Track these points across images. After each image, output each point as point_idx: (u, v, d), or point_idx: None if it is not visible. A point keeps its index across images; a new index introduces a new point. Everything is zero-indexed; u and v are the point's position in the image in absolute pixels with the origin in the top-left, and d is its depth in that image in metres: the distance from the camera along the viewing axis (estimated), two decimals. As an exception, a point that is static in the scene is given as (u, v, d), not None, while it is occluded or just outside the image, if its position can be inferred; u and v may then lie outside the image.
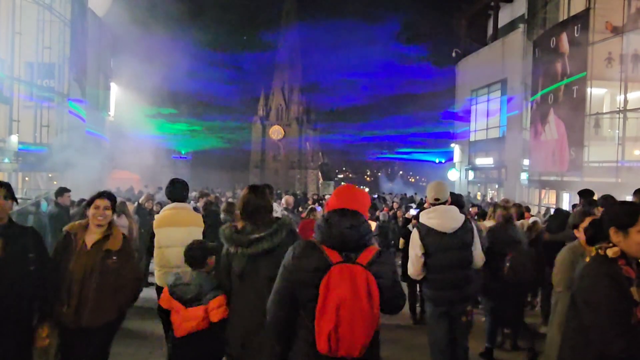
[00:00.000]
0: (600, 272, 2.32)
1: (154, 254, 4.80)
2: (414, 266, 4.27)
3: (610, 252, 2.34)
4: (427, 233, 4.21)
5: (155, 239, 4.74)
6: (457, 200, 4.82)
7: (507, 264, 5.44)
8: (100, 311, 3.48)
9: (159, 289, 4.63)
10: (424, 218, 4.31)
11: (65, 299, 3.44)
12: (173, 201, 4.92)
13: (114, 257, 3.55)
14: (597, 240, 2.48)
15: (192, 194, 17.67)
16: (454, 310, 4.22)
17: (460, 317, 4.24)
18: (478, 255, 4.34)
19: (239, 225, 3.23)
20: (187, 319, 3.45)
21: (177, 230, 4.67)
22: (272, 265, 2.77)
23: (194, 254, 3.68)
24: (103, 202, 3.64)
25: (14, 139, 15.52)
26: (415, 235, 4.27)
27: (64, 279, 3.46)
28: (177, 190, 4.92)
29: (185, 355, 3.50)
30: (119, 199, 6.09)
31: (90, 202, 3.68)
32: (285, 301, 2.43)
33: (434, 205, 4.32)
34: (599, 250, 2.40)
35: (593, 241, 2.54)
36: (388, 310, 2.50)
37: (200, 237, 4.76)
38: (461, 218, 4.28)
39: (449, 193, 4.39)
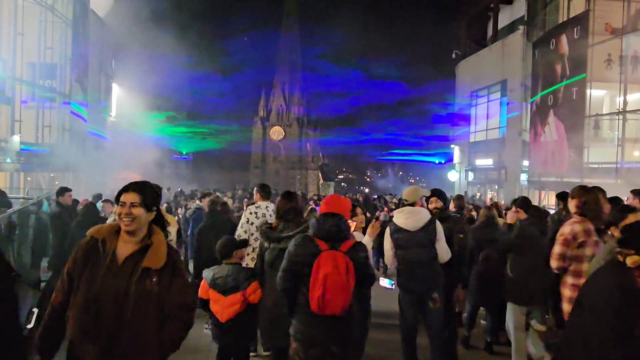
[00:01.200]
0: (613, 281, 2.26)
1: None
2: (387, 258, 4.85)
3: (629, 261, 2.24)
4: (395, 230, 4.74)
5: None
6: (452, 201, 5.12)
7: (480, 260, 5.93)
8: (138, 353, 2.52)
9: None
10: (395, 217, 4.83)
11: (91, 334, 2.47)
12: None
13: (154, 278, 2.54)
14: (629, 245, 2.34)
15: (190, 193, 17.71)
16: (423, 298, 4.67)
17: (427, 304, 4.65)
18: (442, 251, 4.69)
19: (274, 224, 4.18)
20: (229, 305, 4.06)
21: None
22: None
23: (222, 248, 4.31)
24: (129, 197, 2.59)
25: (16, 139, 15.58)
26: (387, 232, 4.80)
27: (87, 307, 2.48)
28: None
29: (231, 335, 4.12)
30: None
31: (117, 199, 2.70)
32: (289, 276, 3.35)
33: (403, 206, 4.86)
34: (619, 256, 2.31)
35: (625, 244, 2.39)
36: (362, 284, 3.39)
37: (173, 236, 5.37)
38: (425, 218, 4.68)
39: (418, 197, 4.86)
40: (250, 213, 5.65)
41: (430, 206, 5.31)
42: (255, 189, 6.11)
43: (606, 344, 2.18)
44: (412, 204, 4.80)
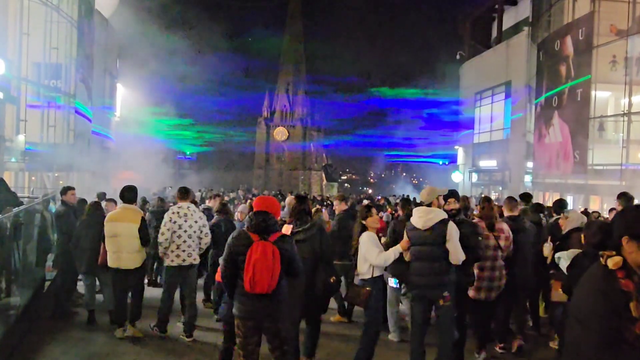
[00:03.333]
0: (595, 287, 2.16)
1: (106, 242, 6.24)
2: (395, 250, 5.11)
3: (610, 263, 2.13)
4: (410, 228, 5.04)
5: (106, 230, 6.23)
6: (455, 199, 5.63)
7: None
8: None
9: (115, 270, 6.21)
10: (412, 215, 5.14)
11: None
12: (124, 202, 6.35)
13: None
14: (605, 247, 2.26)
15: (197, 193, 17.74)
16: (430, 295, 4.87)
17: (437, 301, 4.83)
18: (453, 252, 4.82)
19: (288, 221, 5.11)
20: None
21: (120, 225, 6.16)
22: (306, 249, 4.81)
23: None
24: None
25: (21, 138, 15.63)
26: (405, 229, 5.17)
27: None
28: (127, 195, 6.36)
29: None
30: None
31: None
32: (229, 263, 4.04)
33: (419, 205, 5.24)
34: (601, 259, 2.20)
35: (601, 247, 2.35)
36: (289, 270, 4.06)
37: (135, 231, 6.16)
38: (436, 218, 4.87)
39: (434, 197, 5.10)
40: (173, 213, 6.27)
41: (447, 207, 5.45)
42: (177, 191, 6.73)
43: (597, 351, 2.09)
44: (429, 204, 5.05)
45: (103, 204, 8.87)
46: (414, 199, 23.18)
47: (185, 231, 6.18)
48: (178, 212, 6.24)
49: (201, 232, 6.32)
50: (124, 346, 6.04)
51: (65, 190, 7.90)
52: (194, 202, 7.85)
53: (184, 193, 6.51)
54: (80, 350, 5.85)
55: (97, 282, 7.15)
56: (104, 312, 6.85)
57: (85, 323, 6.75)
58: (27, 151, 16.02)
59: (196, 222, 6.29)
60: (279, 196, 21.58)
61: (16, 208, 6.78)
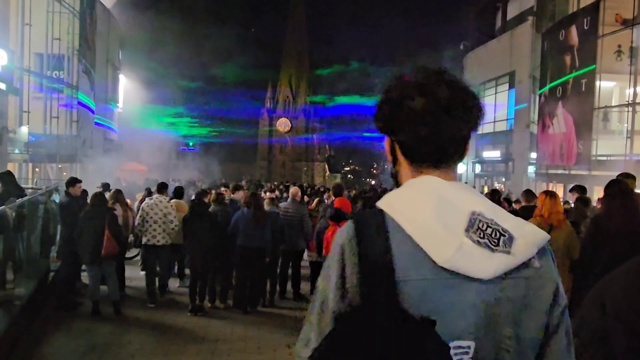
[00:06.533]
0: (638, 285, 1.98)
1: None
2: None
3: None
4: None
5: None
6: None
7: None
8: None
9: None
10: None
11: None
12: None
13: None
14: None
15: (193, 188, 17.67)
16: None
17: None
18: None
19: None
20: None
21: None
22: None
23: None
24: None
25: (24, 129, 15.64)
26: None
27: None
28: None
29: None
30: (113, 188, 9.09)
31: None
32: (317, 238, 7.32)
33: None
34: None
35: None
36: None
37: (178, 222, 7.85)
38: None
39: None
40: (144, 204, 7.89)
41: None
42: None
43: (632, 352, 1.90)
44: None
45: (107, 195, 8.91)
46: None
47: (151, 217, 7.75)
48: (148, 203, 7.86)
49: (166, 218, 7.77)
50: (129, 336, 6.09)
51: (73, 182, 7.90)
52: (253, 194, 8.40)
53: (161, 187, 8.19)
54: (84, 341, 5.89)
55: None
56: (108, 303, 6.90)
57: (89, 314, 6.80)
58: (30, 142, 16.05)
59: (161, 210, 7.80)
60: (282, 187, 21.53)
61: (19, 200, 6.79)
